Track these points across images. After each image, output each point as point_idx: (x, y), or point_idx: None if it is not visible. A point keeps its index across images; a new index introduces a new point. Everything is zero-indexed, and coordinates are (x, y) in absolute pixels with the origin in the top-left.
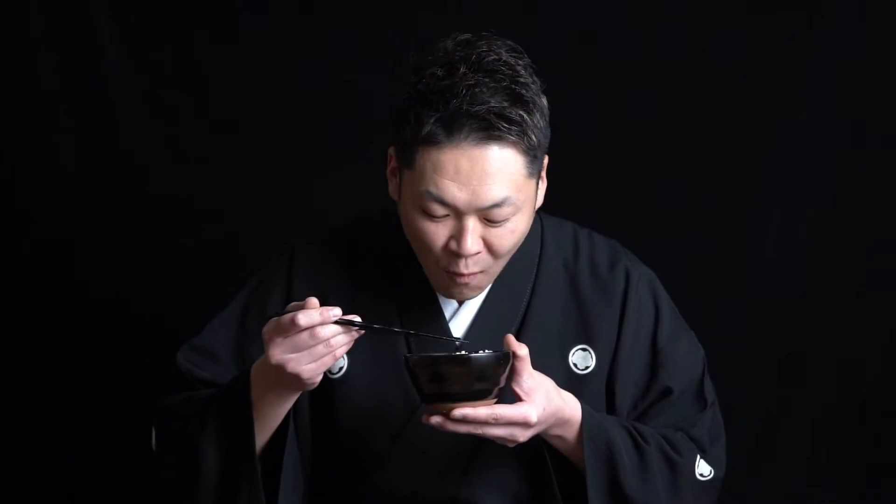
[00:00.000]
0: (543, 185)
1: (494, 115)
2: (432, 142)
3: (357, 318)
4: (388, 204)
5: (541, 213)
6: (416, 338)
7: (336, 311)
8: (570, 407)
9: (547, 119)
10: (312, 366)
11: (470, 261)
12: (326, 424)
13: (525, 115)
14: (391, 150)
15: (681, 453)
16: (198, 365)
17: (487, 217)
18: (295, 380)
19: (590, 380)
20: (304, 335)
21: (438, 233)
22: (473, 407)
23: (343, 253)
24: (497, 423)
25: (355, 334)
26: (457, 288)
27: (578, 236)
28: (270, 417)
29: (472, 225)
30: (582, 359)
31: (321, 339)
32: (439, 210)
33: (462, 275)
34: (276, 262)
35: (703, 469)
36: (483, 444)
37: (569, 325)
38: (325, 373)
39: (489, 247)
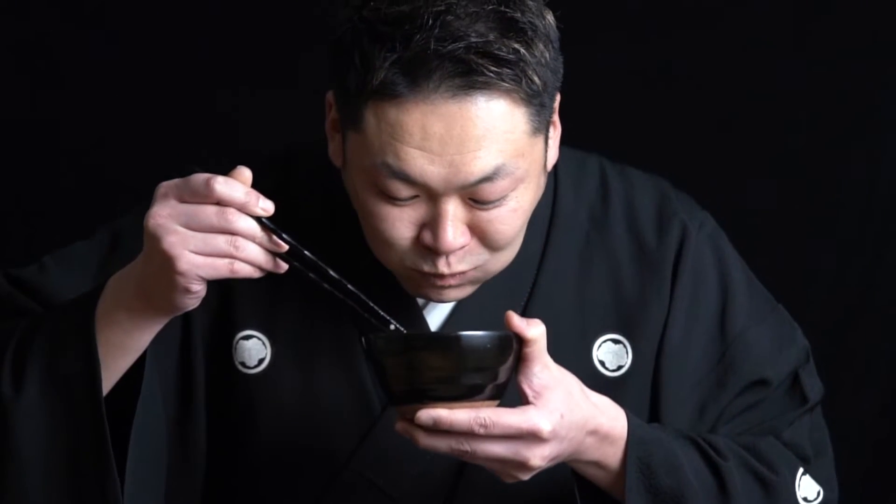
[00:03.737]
0: (556, 133)
1: (476, 53)
2: (388, 95)
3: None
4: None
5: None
6: (371, 322)
7: (268, 205)
8: (607, 416)
9: (556, 45)
10: (198, 259)
11: (453, 257)
12: (236, 443)
13: (522, 50)
14: (330, 97)
15: (774, 468)
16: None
17: (475, 197)
18: (164, 272)
19: (624, 386)
20: (211, 210)
21: (403, 220)
22: (452, 409)
23: (274, 196)
24: (489, 433)
25: (271, 264)
26: (434, 290)
27: (608, 176)
28: (116, 350)
29: (454, 210)
30: (613, 354)
31: (228, 226)
32: (403, 190)
33: (442, 276)
34: None
35: (807, 490)
36: (472, 478)
37: (594, 306)
38: (238, 366)
39: (482, 236)
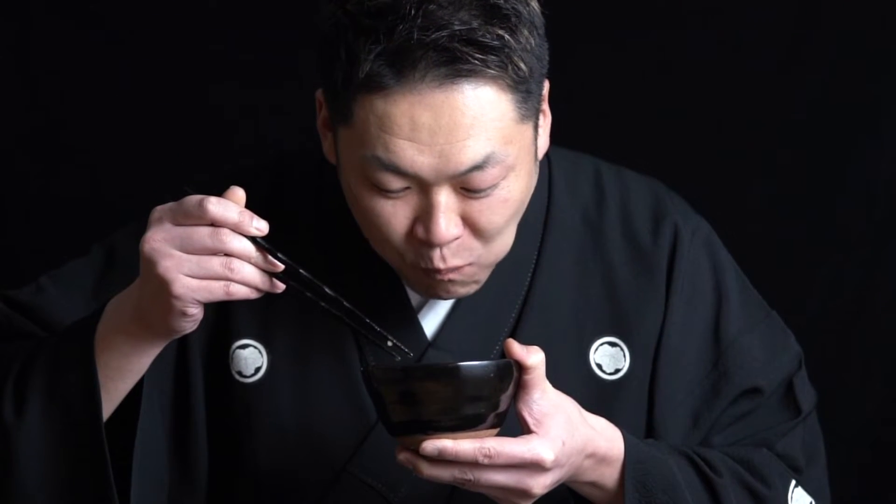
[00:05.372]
0: (547, 122)
1: (461, 41)
2: (375, 87)
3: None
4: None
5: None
6: (369, 339)
7: (262, 225)
8: (604, 438)
9: (541, 30)
10: (193, 283)
11: (447, 250)
12: (234, 452)
13: (507, 36)
14: (319, 95)
15: (767, 482)
16: (17, 319)
17: (466, 186)
18: (160, 296)
19: (622, 389)
20: (205, 231)
21: (397, 214)
22: (455, 438)
23: (268, 204)
24: (493, 463)
25: (267, 285)
26: (439, 286)
27: (603, 177)
28: (116, 374)
29: (446, 200)
30: (610, 358)
31: (222, 247)
32: (395, 182)
33: (438, 270)
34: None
35: (799, 502)
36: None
37: (590, 309)
38: (235, 375)
39: (474, 227)
